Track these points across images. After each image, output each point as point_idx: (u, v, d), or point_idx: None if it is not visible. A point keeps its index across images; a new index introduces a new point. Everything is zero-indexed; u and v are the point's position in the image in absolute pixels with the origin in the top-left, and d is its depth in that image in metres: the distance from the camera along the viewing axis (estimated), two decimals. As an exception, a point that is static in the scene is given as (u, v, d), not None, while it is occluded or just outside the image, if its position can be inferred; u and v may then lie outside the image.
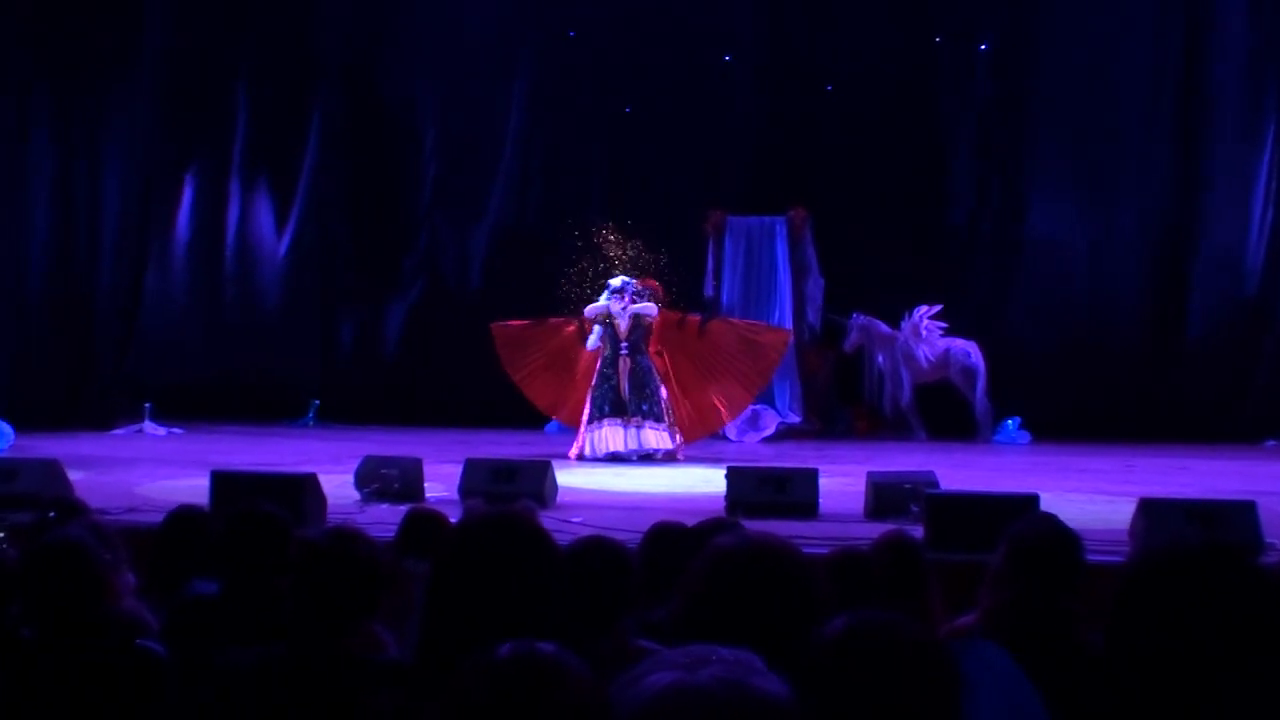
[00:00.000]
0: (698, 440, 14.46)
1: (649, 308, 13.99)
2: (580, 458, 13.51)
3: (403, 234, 18.82)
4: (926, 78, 17.91)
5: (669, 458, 13.53)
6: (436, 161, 18.75)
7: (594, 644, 3.33)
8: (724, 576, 2.33)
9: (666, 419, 13.76)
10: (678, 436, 13.80)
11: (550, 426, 17.16)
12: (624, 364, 13.77)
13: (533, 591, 2.54)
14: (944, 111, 17.98)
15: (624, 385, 13.70)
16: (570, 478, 11.38)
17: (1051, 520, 4.12)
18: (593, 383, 13.93)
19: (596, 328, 14.07)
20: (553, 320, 14.88)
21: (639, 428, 13.65)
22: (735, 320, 15.73)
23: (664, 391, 13.89)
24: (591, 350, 14.17)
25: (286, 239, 18.88)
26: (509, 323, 14.91)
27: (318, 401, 18.07)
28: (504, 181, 18.63)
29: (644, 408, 13.68)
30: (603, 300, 14.07)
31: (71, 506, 5.28)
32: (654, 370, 13.95)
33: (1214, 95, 17.27)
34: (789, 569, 2.35)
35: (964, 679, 2.01)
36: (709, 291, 17.75)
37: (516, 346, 14.74)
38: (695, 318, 15.15)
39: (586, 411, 13.83)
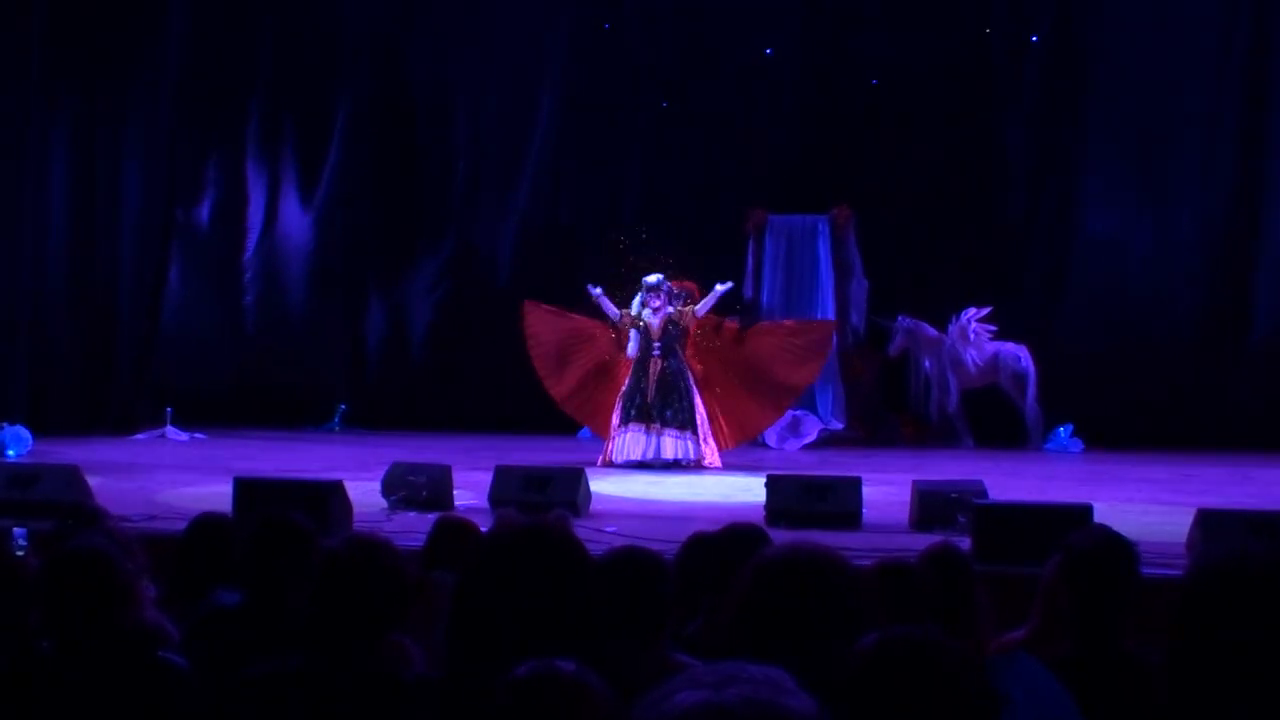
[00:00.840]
0: (736, 447, 14.43)
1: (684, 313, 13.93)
2: (607, 464, 13.50)
3: (431, 233, 18.87)
4: (976, 71, 17.83)
5: (696, 466, 13.48)
6: (465, 157, 18.80)
7: (635, 659, 3.32)
8: (769, 587, 2.32)
9: (694, 427, 13.64)
10: (707, 445, 13.70)
11: (584, 433, 17.17)
12: (654, 366, 13.72)
13: (565, 606, 2.54)
14: (995, 106, 17.89)
15: (651, 389, 13.66)
16: (605, 485, 11.38)
17: (1107, 531, 4.09)
18: (624, 387, 13.89)
19: (633, 332, 14.05)
20: (585, 320, 14.83)
21: (659, 435, 13.56)
22: (776, 324, 15.59)
23: (697, 398, 13.79)
24: (631, 356, 14.20)
25: (312, 238, 18.95)
26: (541, 306, 14.88)
27: (344, 406, 18.13)
28: (535, 178, 18.65)
29: (668, 414, 13.57)
30: (635, 301, 14.05)
31: (91, 513, 5.31)
32: (687, 374, 13.84)
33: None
34: (835, 580, 2.34)
35: (1004, 697, 1.99)
36: (748, 293, 17.72)
37: (546, 328, 14.72)
38: (733, 324, 15.10)
39: (616, 415, 13.80)
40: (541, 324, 14.74)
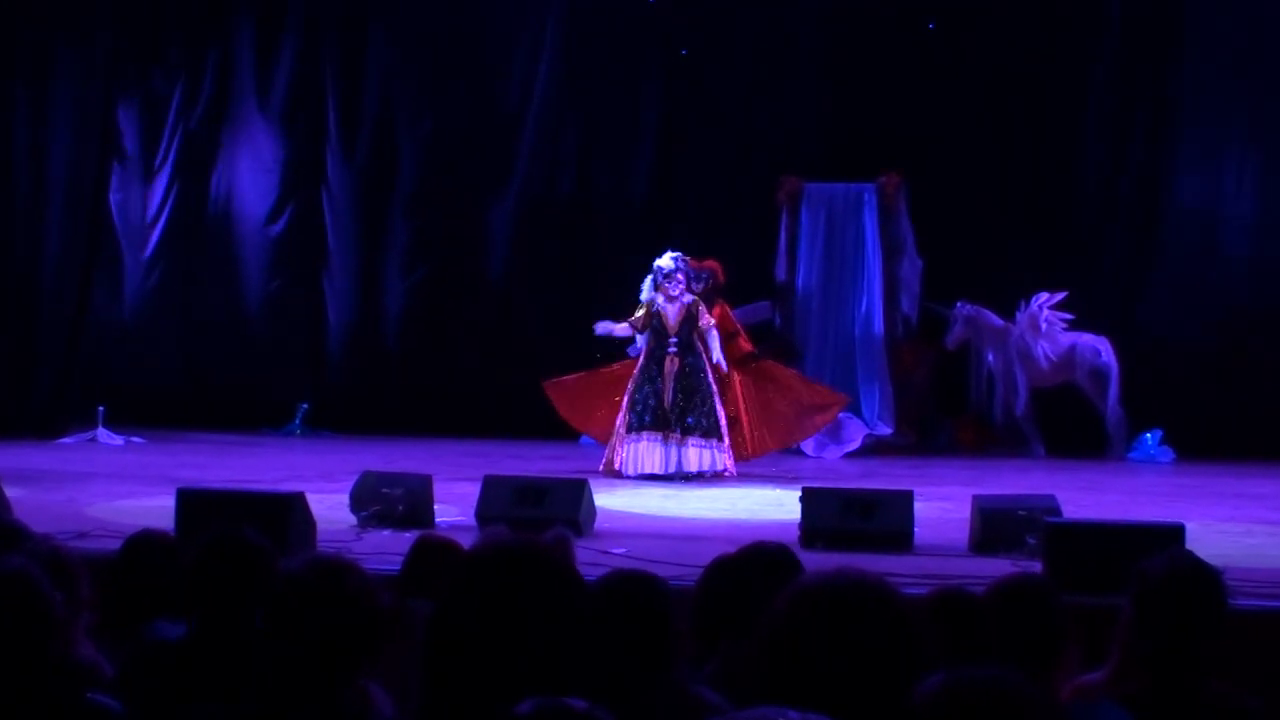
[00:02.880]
0: (762, 456, 14.41)
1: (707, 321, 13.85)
2: (611, 473, 13.47)
3: (408, 210, 18.85)
4: (1051, 13, 17.78)
5: (716, 477, 13.46)
6: (448, 118, 18.77)
7: (647, 696, 3.34)
8: (808, 621, 2.32)
9: (719, 433, 13.62)
10: (728, 455, 13.68)
11: (586, 439, 17.18)
12: (670, 364, 13.62)
13: (557, 640, 2.54)
14: (1072, 55, 17.83)
15: (668, 391, 13.60)
16: (612, 499, 11.38)
17: (1186, 556, 4.09)
18: (630, 385, 13.83)
19: (640, 334, 14.06)
20: (610, 368, 14.80)
21: (680, 445, 13.49)
22: (785, 369, 15.19)
23: (719, 400, 13.74)
24: (636, 353, 14.20)
25: (270, 215, 18.95)
26: (561, 380, 14.78)
27: (306, 405, 18.15)
28: (531, 144, 18.64)
29: (689, 420, 13.50)
30: (645, 287, 13.99)
31: (9, 531, 5.31)
32: (708, 372, 13.80)
33: None
34: (887, 614, 2.33)
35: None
36: (780, 276, 17.71)
37: (577, 398, 14.70)
38: (746, 344, 14.80)
39: (623, 418, 13.72)
40: (569, 401, 14.68)
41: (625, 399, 13.81)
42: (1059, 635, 4.49)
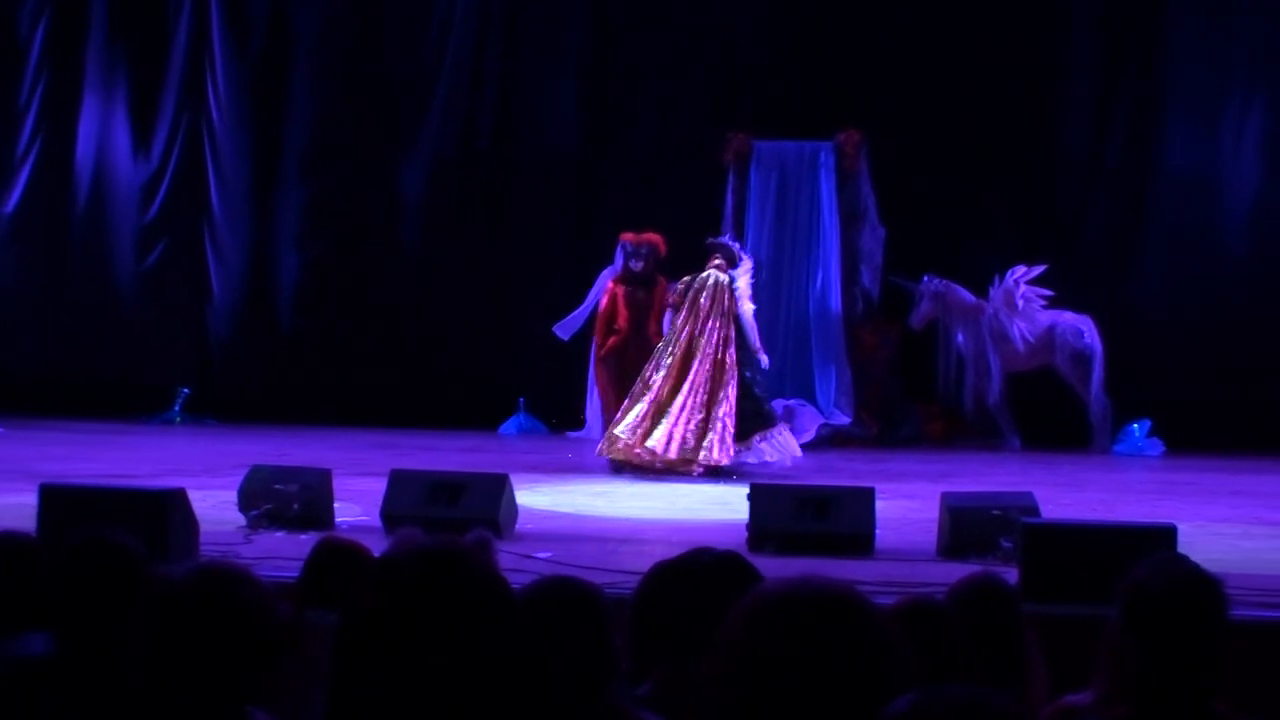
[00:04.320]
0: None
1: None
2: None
3: (306, 170, 18.74)
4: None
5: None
6: (353, 67, 18.65)
7: (577, 718, 3.33)
8: (768, 638, 2.30)
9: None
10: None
11: (506, 427, 17.17)
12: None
13: (482, 657, 2.52)
14: (1053, 4, 17.93)
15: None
16: (535, 497, 11.37)
17: (1183, 563, 4.11)
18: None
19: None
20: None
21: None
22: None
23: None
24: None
25: (148, 180, 18.79)
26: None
27: (187, 391, 18.06)
28: (445, 98, 18.55)
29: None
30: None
31: None
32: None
33: None
34: (859, 630, 2.31)
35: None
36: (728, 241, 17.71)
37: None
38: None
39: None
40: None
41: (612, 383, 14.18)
42: (1020, 643, 4.50)
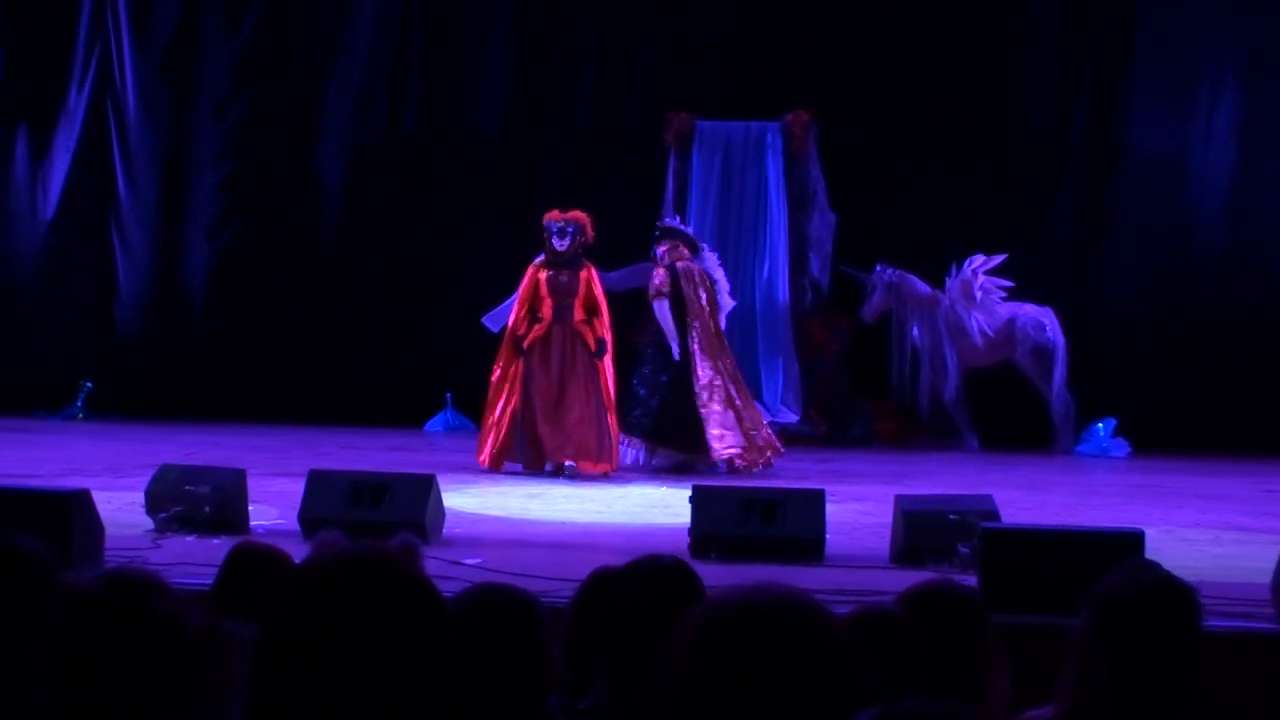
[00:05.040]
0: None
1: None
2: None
3: (219, 150, 18.62)
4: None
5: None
6: (260, 44, 18.53)
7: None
8: (721, 654, 2.29)
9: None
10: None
11: (432, 424, 17.13)
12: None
13: (411, 670, 2.52)
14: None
15: None
16: (464, 499, 11.37)
17: (1154, 571, 4.14)
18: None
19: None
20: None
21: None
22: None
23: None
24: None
25: (49, 161, 18.64)
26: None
27: (90, 385, 17.94)
28: (367, 72, 18.46)
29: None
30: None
31: None
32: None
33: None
34: (819, 643, 2.31)
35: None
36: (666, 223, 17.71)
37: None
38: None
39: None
40: None
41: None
42: (983, 657, 4.52)
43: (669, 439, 14.34)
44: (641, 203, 17.00)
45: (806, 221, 17.65)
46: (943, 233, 17.39)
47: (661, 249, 14.58)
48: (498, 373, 13.89)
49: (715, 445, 14.14)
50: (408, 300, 18.01)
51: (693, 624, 2.36)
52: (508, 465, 13.68)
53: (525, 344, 13.76)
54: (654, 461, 14.34)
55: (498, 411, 13.74)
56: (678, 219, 15.84)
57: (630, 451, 14.32)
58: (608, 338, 13.98)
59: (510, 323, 14.02)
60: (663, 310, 14.32)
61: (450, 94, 18.54)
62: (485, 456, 13.70)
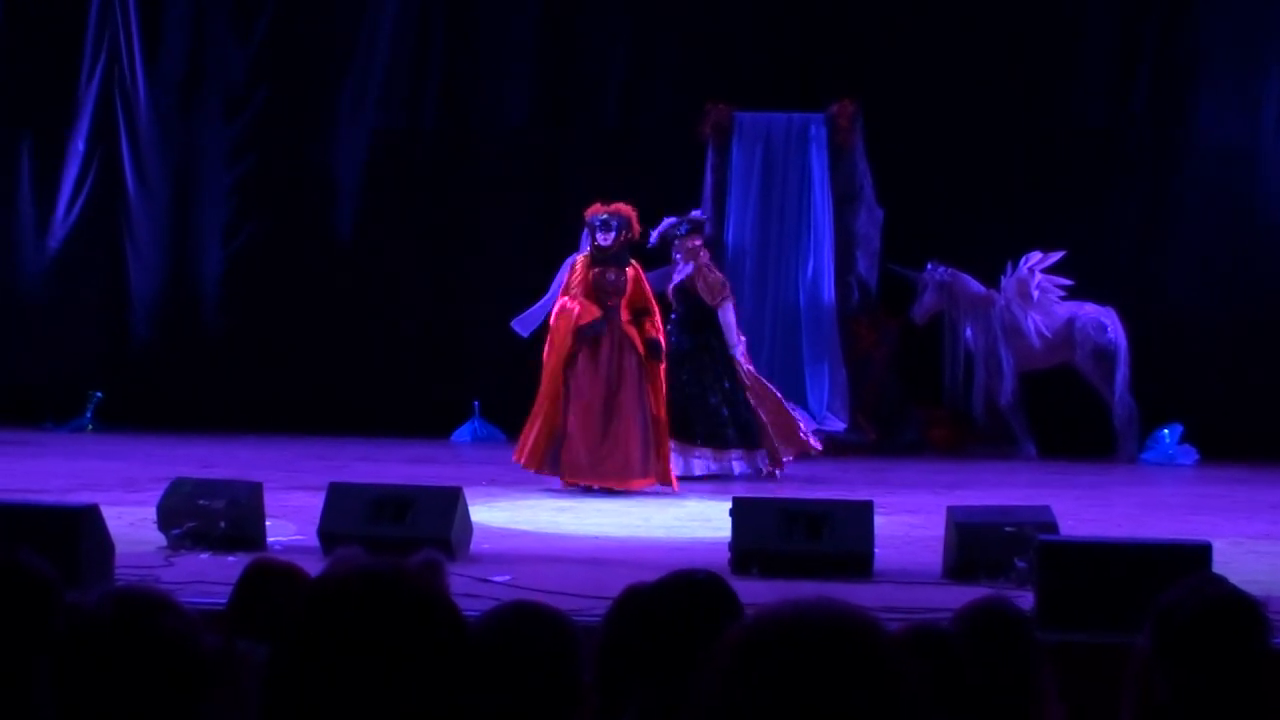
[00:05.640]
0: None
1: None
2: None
3: (232, 150, 18.65)
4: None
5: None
6: (282, 32, 18.57)
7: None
8: (764, 672, 2.25)
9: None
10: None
11: (459, 433, 17.14)
12: None
13: (432, 694, 2.53)
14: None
15: None
16: (491, 513, 11.39)
17: (1218, 585, 4.12)
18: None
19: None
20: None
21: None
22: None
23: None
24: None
25: (57, 161, 18.70)
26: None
27: (100, 395, 17.98)
28: (387, 72, 18.47)
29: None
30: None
31: None
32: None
33: None
34: (871, 661, 2.28)
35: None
36: (705, 229, 17.68)
37: None
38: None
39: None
40: None
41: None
42: (1033, 679, 4.51)
43: (737, 442, 14.42)
44: (676, 201, 16.91)
45: (853, 217, 17.64)
46: (997, 228, 17.35)
47: (697, 242, 14.60)
48: (553, 361, 13.59)
49: (779, 443, 14.45)
50: (431, 304, 18.03)
51: (736, 641, 2.29)
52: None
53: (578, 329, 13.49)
54: (729, 467, 14.39)
55: (541, 416, 13.58)
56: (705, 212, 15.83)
57: (699, 462, 14.29)
58: (662, 339, 13.79)
59: (558, 313, 13.70)
60: (730, 313, 14.42)
61: (472, 90, 18.54)
62: (523, 457, 13.61)
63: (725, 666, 2.27)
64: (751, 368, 14.72)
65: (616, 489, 13.25)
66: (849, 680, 2.21)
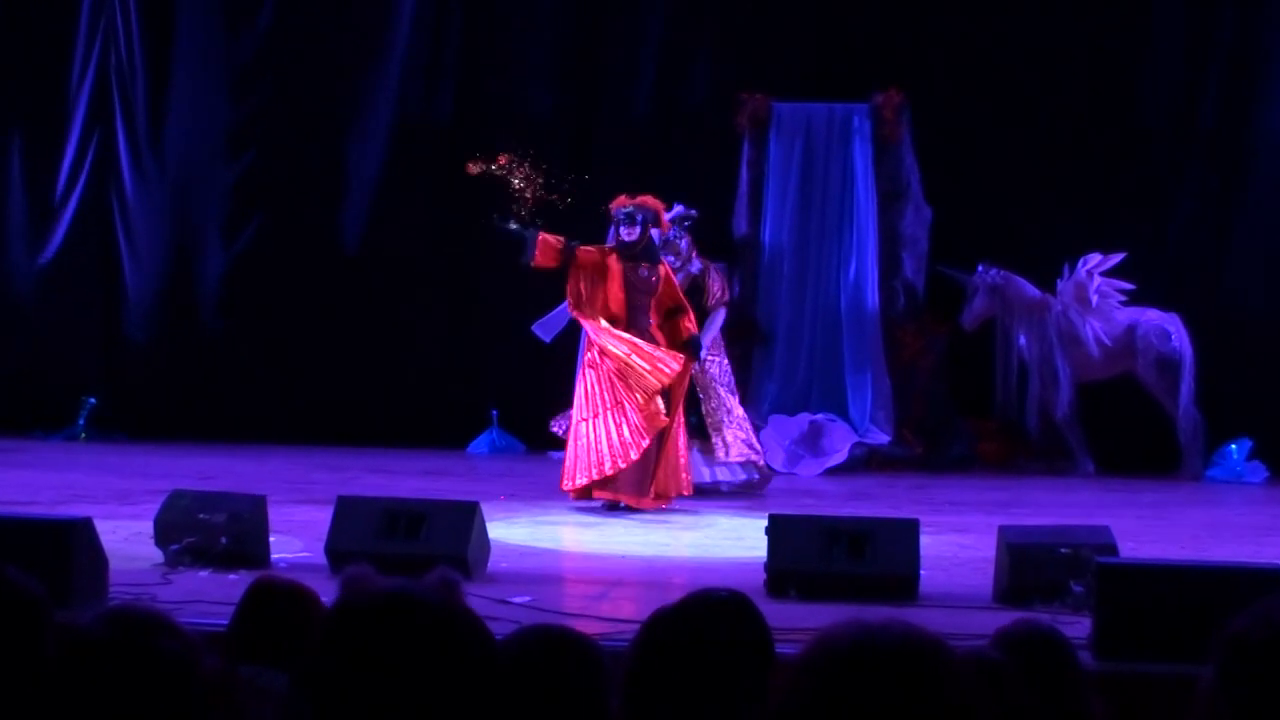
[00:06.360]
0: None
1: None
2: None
3: (234, 142, 18.68)
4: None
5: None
6: (289, 17, 18.62)
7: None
8: (837, 699, 2.24)
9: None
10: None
11: (476, 444, 17.15)
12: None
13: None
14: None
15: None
16: (510, 530, 11.39)
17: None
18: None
19: None
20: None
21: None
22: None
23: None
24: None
25: (49, 152, 18.76)
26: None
27: (93, 401, 18.04)
28: (404, 57, 18.50)
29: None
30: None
31: None
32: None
33: None
34: (943, 688, 2.27)
35: None
36: (740, 228, 17.71)
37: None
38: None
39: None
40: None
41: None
42: (1081, 713, 4.50)
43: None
44: (710, 197, 16.95)
45: (899, 216, 17.63)
46: (1053, 229, 17.33)
47: (687, 242, 14.60)
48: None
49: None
50: (447, 307, 18.03)
51: (806, 665, 2.30)
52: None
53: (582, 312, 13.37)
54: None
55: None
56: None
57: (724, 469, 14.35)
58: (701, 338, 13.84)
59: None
60: (721, 319, 14.51)
61: (494, 77, 18.54)
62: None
63: (800, 690, 2.27)
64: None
65: (630, 507, 13.08)
66: (917, 707, 2.21)
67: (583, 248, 13.36)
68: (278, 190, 18.57)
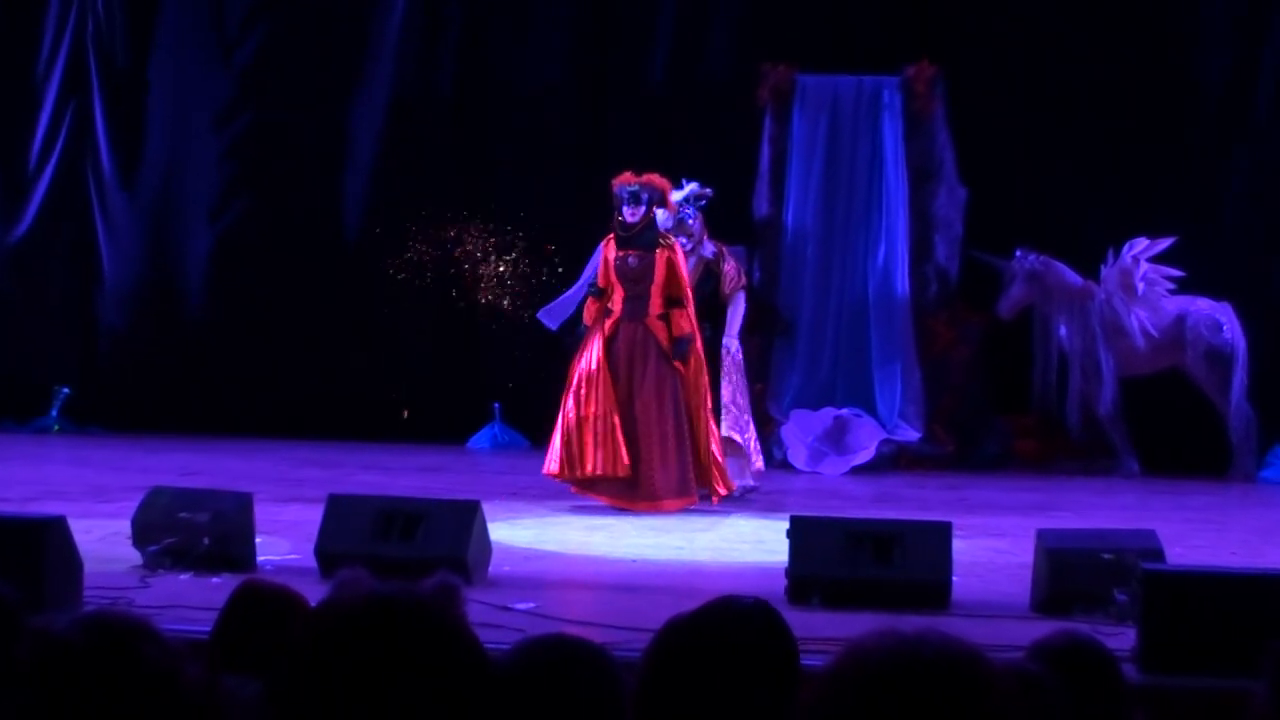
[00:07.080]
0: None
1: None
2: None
3: (220, 119, 18.72)
4: None
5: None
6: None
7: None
8: (870, 712, 2.25)
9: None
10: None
11: (477, 440, 17.18)
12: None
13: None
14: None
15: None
16: (514, 531, 11.41)
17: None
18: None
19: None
20: None
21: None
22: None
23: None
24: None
25: (20, 127, 18.80)
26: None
27: (67, 391, 18.07)
28: (406, 25, 18.53)
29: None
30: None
31: None
32: None
33: None
34: (982, 701, 2.27)
35: None
36: (761, 209, 17.71)
37: None
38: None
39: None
40: None
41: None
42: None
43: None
44: (729, 177, 16.94)
45: (931, 197, 17.64)
46: (1097, 211, 17.34)
47: (700, 222, 14.41)
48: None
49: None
50: (447, 295, 18.03)
51: (835, 675, 2.31)
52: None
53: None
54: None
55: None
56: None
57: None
58: (694, 331, 13.34)
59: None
60: (743, 304, 14.40)
61: (504, 47, 18.57)
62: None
63: (822, 703, 2.28)
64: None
65: (632, 510, 13.00)
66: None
67: (599, 276, 13.34)
68: (268, 166, 18.62)
